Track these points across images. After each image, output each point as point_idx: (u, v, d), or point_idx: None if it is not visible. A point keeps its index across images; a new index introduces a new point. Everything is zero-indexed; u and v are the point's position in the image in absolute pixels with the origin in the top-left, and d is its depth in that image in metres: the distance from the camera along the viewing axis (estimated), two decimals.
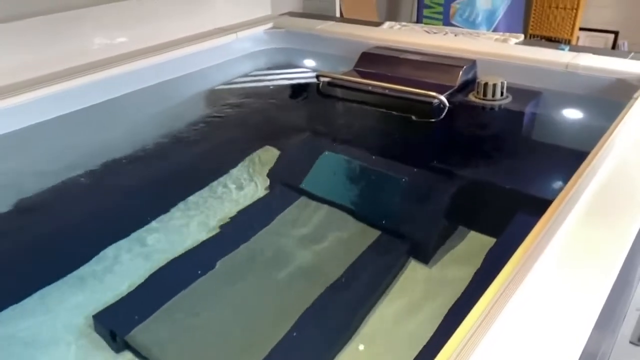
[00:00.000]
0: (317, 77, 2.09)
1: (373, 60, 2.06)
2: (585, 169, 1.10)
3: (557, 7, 3.54)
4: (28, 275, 1.30)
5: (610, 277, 0.84)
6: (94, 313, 1.17)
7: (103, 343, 1.13)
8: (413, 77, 1.93)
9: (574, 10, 3.47)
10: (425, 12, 3.52)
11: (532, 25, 3.69)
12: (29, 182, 1.58)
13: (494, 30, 3.36)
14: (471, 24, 3.39)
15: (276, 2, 2.73)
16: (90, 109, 1.84)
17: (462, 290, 1.20)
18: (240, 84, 2.26)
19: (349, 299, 1.21)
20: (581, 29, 3.58)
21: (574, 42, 3.56)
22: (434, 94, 1.79)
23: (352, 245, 1.38)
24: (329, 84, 2.06)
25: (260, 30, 2.44)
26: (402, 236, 1.41)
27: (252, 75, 2.32)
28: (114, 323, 1.14)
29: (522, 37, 2.16)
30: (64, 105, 1.80)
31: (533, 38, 3.69)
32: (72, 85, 1.82)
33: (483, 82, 1.80)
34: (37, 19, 1.83)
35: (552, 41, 3.58)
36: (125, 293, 1.23)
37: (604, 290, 0.81)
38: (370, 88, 1.94)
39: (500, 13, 3.38)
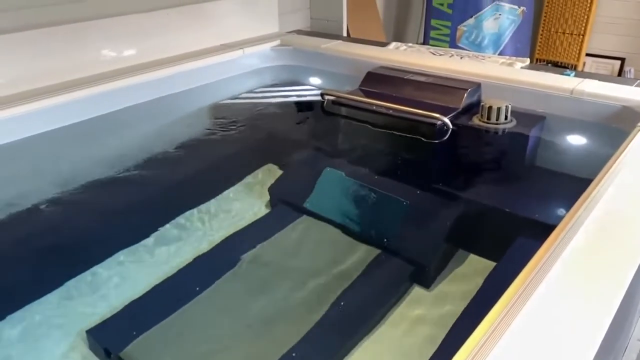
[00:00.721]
0: (322, 95, 2.09)
1: (378, 80, 2.07)
2: (588, 196, 1.09)
3: (563, 33, 3.56)
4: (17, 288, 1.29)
5: (612, 307, 0.82)
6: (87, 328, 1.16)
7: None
8: (417, 98, 1.93)
9: (581, 36, 3.49)
10: (432, 33, 3.54)
11: (539, 50, 3.70)
12: (31, 189, 1.59)
13: (500, 54, 3.38)
14: (477, 46, 3.41)
15: (284, 20, 2.76)
16: (93, 120, 1.85)
17: (460, 315, 1.18)
18: (245, 99, 2.27)
19: (347, 322, 1.20)
20: (587, 54, 3.60)
21: (580, 67, 3.57)
22: (437, 115, 1.79)
23: (352, 266, 1.37)
24: (333, 102, 2.07)
25: (267, 47, 2.46)
26: (403, 258, 1.40)
27: (257, 92, 2.33)
28: (107, 339, 1.12)
29: (527, 61, 2.17)
30: (70, 116, 1.81)
31: (539, 62, 3.71)
32: (77, 97, 1.83)
33: (487, 105, 1.79)
34: (46, 29, 1.85)
35: (559, 66, 3.60)
36: (119, 308, 1.22)
37: (605, 320, 0.80)
38: (374, 107, 1.94)
39: (507, 37, 3.40)
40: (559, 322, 0.79)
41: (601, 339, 0.77)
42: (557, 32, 3.59)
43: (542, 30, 3.65)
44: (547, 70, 2.02)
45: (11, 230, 1.45)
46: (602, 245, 0.98)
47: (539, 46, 3.70)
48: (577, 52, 3.54)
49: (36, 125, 1.74)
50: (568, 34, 3.54)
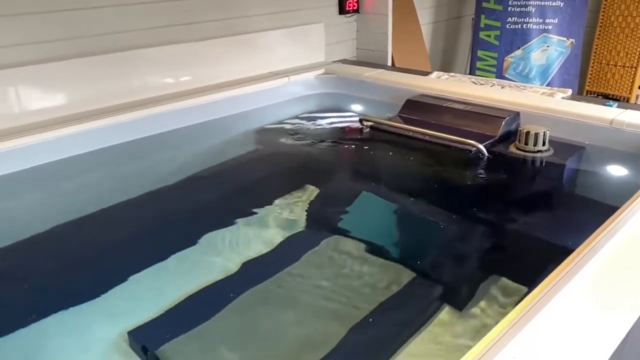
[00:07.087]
0: (361, 121, 2.16)
1: (417, 108, 2.12)
2: (612, 222, 1.10)
3: (615, 65, 3.50)
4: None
5: (622, 331, 0.83)
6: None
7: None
8: (455, 125, 1.97)
9: (633, 69, 3.42)
10: (479, 64, 3.56)
11: (589, 82, 3.65)
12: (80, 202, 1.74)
13: (548, 85, 3.35)
14: (525, 78, 3.40)
15: (330, 50, 2.87)
16: (151, 138, 2.01)
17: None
18: (289, 124, 2.36)
19: (375, 340, 1.22)
20: None
21: (632, 100, 3.49)
22: (473, 142, 1.82)
23: (384, 287, 1.39)
24: (371, 127, 2.13)
25: (311, 75, 2.57)
26: (435, 280, 1.42)
27: (300, 117, 2.43)
28: (147, 339, 1.20)
29: (569, 92, 2.17)
30: (123, 135, 1.97)
31: (590, 95, 3.65)
32: (135, 117, 2.00)
33: (525, 131, 1.80)
34: (108, 55, 2.03)
35: (609, 98, 3.52)
36: (159, 313, 1.30)
37: (614, 342, 0.81)
38: (411, 134, 1.99)
39: (555, 68, 3.38)
40: (569, 341, 0.81)
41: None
42: (608, 65, 3.53)
43: (593, 62, 3.60)
44: (588, 101, 2.01)
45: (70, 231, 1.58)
46: (620, 269, 0.98)
47: (590, 78, 3.64)
48: (630, 84, 3.47)
49: (86, 144, 1.90)
50: (620, 66, 3.48)
